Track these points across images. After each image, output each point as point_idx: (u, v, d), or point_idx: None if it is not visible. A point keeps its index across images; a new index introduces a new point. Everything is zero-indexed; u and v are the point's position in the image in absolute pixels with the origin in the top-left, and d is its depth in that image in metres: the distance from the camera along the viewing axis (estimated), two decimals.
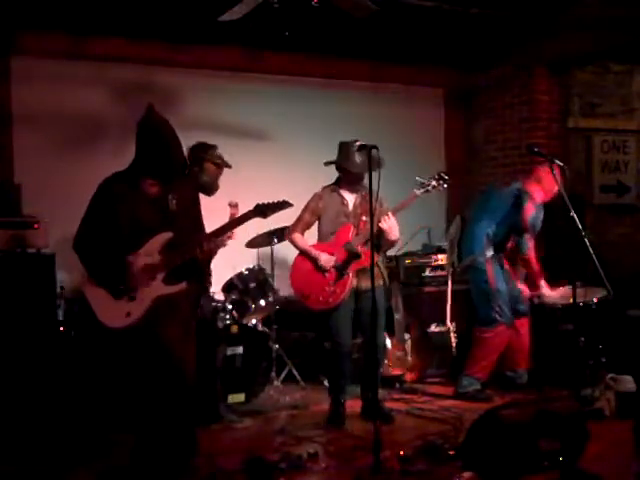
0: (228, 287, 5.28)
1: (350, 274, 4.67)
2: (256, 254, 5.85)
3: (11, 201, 5.15)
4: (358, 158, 4.63)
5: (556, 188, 4.85)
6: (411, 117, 7.10)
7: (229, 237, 4.15)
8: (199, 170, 4.82)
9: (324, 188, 4.86)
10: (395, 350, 5.64)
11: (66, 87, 5.78)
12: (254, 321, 5.41)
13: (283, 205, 3.84)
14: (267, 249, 5.80)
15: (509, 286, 5.35)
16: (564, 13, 5.80)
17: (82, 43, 5.70)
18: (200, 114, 6.09)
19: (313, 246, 4.80)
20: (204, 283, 4.34)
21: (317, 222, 4.85)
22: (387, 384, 5.51)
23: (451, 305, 5.74)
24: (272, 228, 5.42)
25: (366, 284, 4.47)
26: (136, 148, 3.59)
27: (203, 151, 4.86)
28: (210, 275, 4.51)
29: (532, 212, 5.19)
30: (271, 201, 3.81)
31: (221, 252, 3.99)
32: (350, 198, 4.79)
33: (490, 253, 5.30)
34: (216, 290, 5.18)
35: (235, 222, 3.82)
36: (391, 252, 5.50)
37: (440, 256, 6.12)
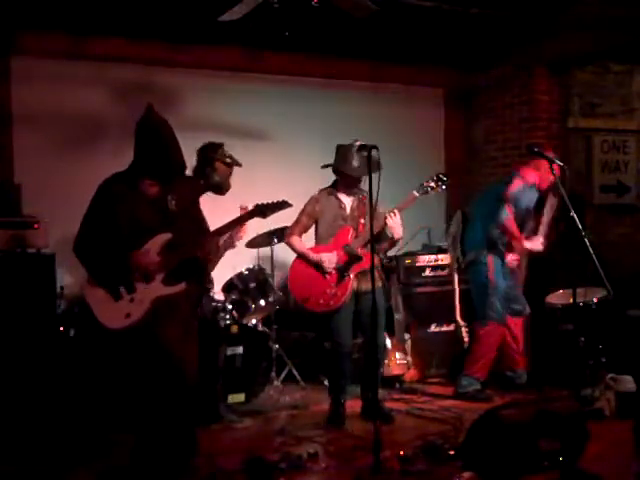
0: (228, 287, 5.28)
1: (351, 276, 4.68)
2: (256, 254, 5.86)
3: (11, 201, 5.16)
4: (356, 161, 4.62)
5: (552, 178, 4.88)
6: (411, 117, 7.10)
7: (238, 238, 4.15)
8: (211, 170, 4.77)
9: (321, 191, 4.86)
10: (396, 350, 5.65)
11: (66, 87, 5.78)
12: (254, 321, 5.41)
13: (282, 205, 3.84)
14: (267, 249, 5.80)
15: (508, 284, 5.36)
16: (564, 13, 5.79)
17: (82, 43, 5.70)
18: (200, 114, 6.09)
19: (311, 249, 4.80)
20: (204, 283, 4.33)
21: (314, 225, 4.85)
22: (387, 384, 5.51)
23: (460, 301, 5.73)
24: (272, 228, 5.43)
25: (366, 286, 4.48)
26: (135, 148, 3.59)
27: (213, 151, 4.79)
28: (209, 275, 4.51)
29: (518, 186, 5.20)
30: (270, 201, 3.81)
31: None
32: (347, 201, 4.80)
33: (492, 248, 5.30)
34: (216, 290, 5.19)
35: (235, 222, 3.82)
36: (391, 252, 5.50)
37: (440, 256, 6.12)
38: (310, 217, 4.82)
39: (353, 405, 4.90)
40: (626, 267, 6.30)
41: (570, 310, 4.81)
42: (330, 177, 4.88)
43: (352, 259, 4.67)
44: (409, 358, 5.71)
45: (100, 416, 4.57)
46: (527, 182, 5.22)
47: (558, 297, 5.32)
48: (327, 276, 4.69)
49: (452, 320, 5.89)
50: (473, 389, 5.31)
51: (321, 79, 6.67)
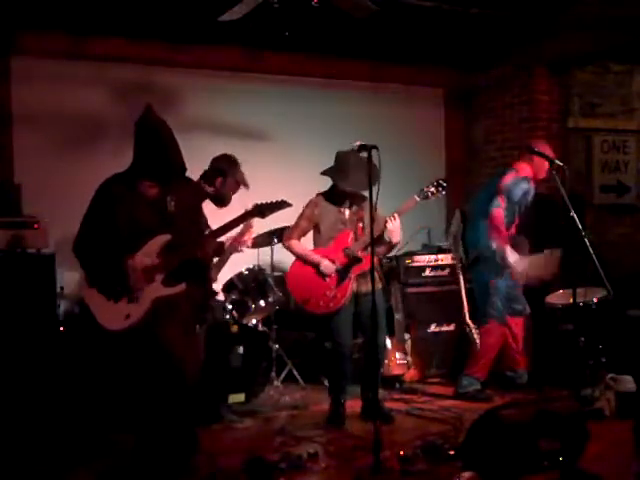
0: (228, 287, 5.28)
1: (351, 278, 4.68)
2: (256, 254, 5.86)
3: (11, 201, 5.16)
4: (353, 174, 4.58)
5: (546, 166, 4.91)
6: (411, 117, 7.10)
7: (243, 244, 4.09)
8: (221, 183, 4.70)
9: (318, 195, 4.85)
10: (396, 350, 5.65)
11: (66, 87, 5.78)
12: (254, 321, 5.41)
13: (282, 205, 3.83)
14: (267, 249, 5.80)
15: (509, 283, 5.36)
16: (564, 13, 5.79)
17: (82, 43, 5.70)
18: (200, 114, 6.09)
19: (313, 251, 4.80)
20: (207, 285, 4.29)
21: (313, 229, 4.84)
22: (387, 384, 5.51)
23: (467, 301, 5.70)
24: (272, 228, 5.43)
25: (366, 288, 4.49)
26: (134, 149, 3.59)
27: (229, 165, 4.63)
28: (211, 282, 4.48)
29: (511, 179, 5.23)
30: (270, 201, 3.81)
31: None
32: (346, 205, 4.79)
33: (494, 246, 5.30)
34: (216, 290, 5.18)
35: (234, 222, 3.81)
36: (391, 252, 5.49)
37: (440, 256, 6.11)
38: (309, 221, 4.81)
39: (353, 405, 4.90)
40: (626, 267, 6.30)
41: (570, 310, 4.80)
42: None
43: (352, 261, 4.68)
44: (409, 358, 5.71)
45: (100, 416, 4.57)
46: (519, 175, 5.26)
47: (558, 297, 5.31)
48: (327, 278, 4.69)
49: (452, 320, 5.89)
50: (473, 389, 5.31)
51: (321, 79, 6.67)
